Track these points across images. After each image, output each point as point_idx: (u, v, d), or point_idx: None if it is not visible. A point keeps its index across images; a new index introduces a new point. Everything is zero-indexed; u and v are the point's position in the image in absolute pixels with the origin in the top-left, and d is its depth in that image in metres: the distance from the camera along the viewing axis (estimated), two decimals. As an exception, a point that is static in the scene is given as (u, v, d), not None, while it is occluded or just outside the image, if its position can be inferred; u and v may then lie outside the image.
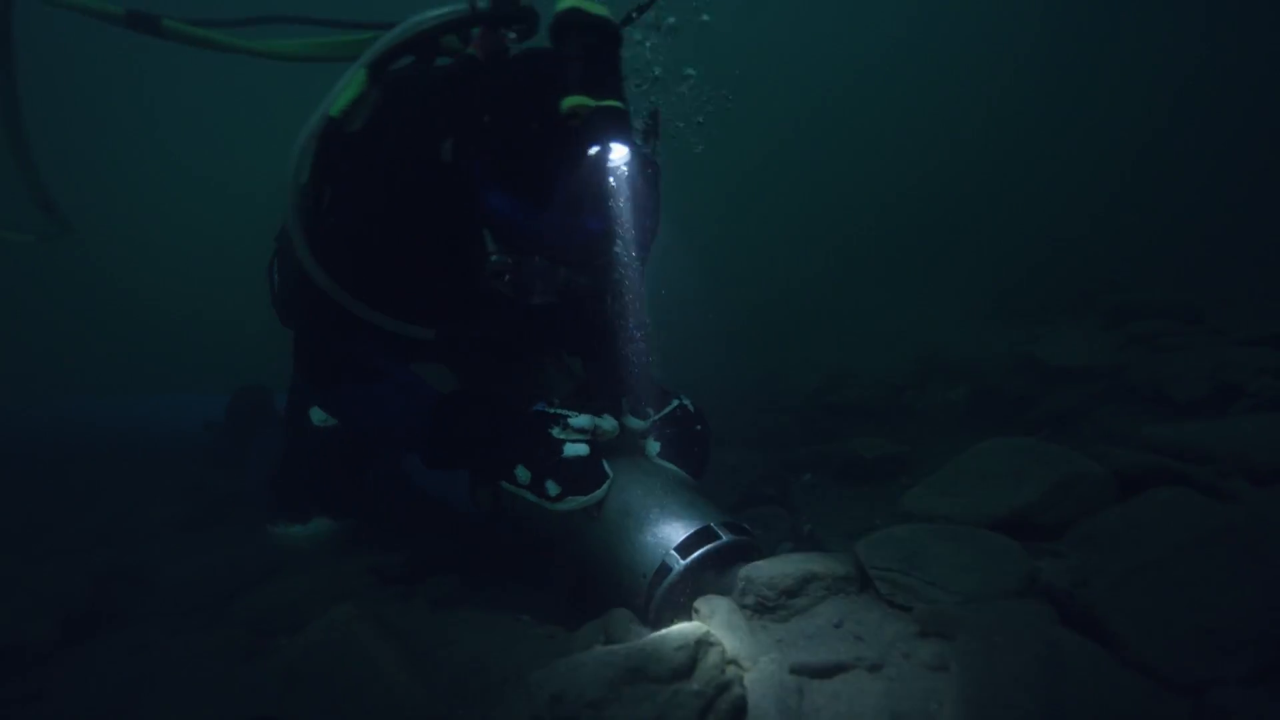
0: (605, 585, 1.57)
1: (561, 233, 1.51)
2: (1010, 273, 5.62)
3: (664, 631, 1.16)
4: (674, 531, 1.51)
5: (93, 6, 2.03)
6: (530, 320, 1.71)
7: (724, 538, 1.50)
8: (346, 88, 1.52)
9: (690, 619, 1.33)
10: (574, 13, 1.33)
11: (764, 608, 1.35)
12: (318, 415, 2.19)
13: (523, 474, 1.59)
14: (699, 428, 1.93)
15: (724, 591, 1.43)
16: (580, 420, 1.63)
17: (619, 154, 1.39)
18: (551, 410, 1.67)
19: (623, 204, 1.47)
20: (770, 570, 1.39)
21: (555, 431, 1.62)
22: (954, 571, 1.28)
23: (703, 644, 1.11)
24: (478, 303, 1.69)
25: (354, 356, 1.76)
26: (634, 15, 1.50)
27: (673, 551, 1.48)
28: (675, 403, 1.92)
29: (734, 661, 1.16)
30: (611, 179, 1.43)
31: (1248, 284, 4.15)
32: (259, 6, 2.03)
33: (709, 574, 1.48)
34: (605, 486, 1.60)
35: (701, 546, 1.48)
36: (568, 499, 1.56)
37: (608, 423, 1.66)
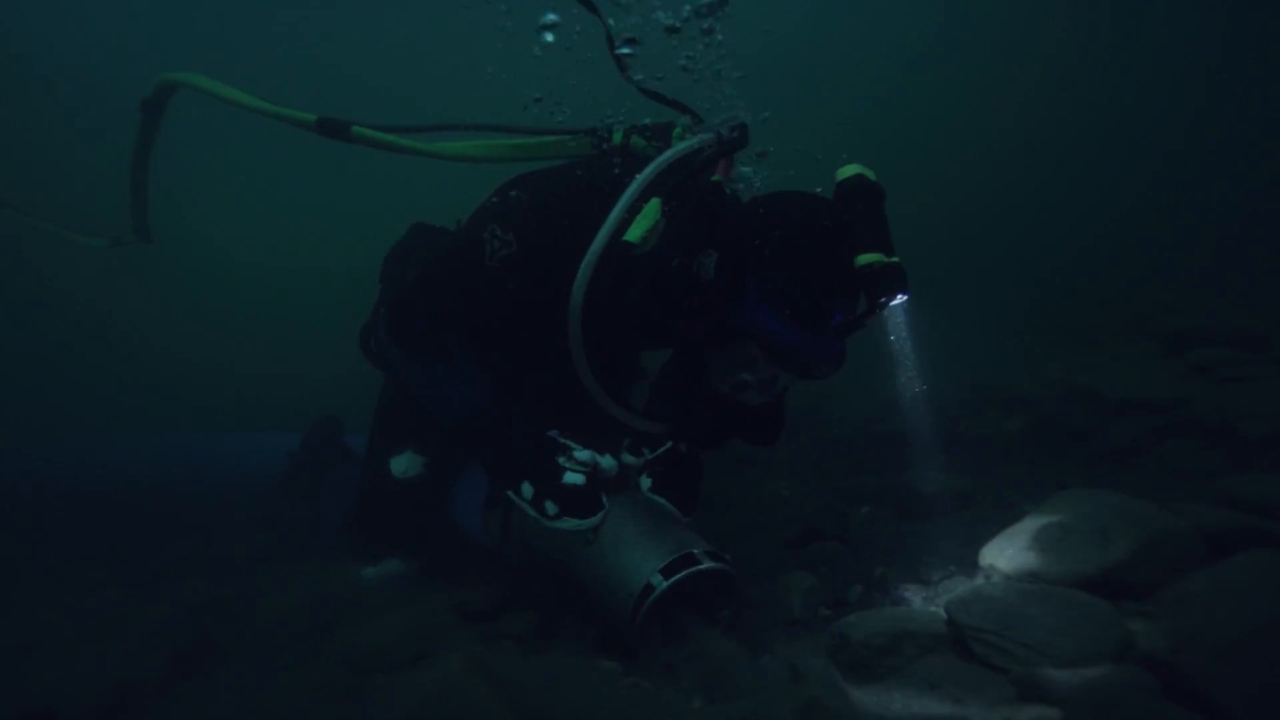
0: (596, 602, 1.77)
1: (822, 353, 1.69)
2: (1056, 291, 5.57)
3: (769, 690, 1.21)
4: (658, 556, 1.68)
5: (289, 115, 2.36)
6: (743, 416, 1.89)
7: (705, 563, 1.66)
8: (643, 217, 1.71)
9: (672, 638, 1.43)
10: (860, 179, 1.61)
11: (859, 665, 1.40)
12: (398, 466, 2.37)
13: (526, 490, 1.81)
14: (690, 468, 2.11)
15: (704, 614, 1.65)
16: (583, 455, 1.84)
17: (898, 300, 1.60)
18: (560, 440, 1.88)
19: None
20: (864, 630, 1.44)
21: (560, 460, 1.82)
22: (1048, 634, 1.31)
23: (816, 705, 1.16)
24: (700, 396, 1.87)
25: (442, 338, 2.03)
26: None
27: (657, 574, 1.64)
28: (669, 444, 2.06)
29: (841, 724, 1.20)
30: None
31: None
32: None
33: (689, 596, 1.68)
34: (600, 515, 1.80)
35: (684, 569, 1.64)
36: (564, 519, 1.77)
37: (607, 461, 1.86)
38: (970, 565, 1.88)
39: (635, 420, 1.93)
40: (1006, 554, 1.63)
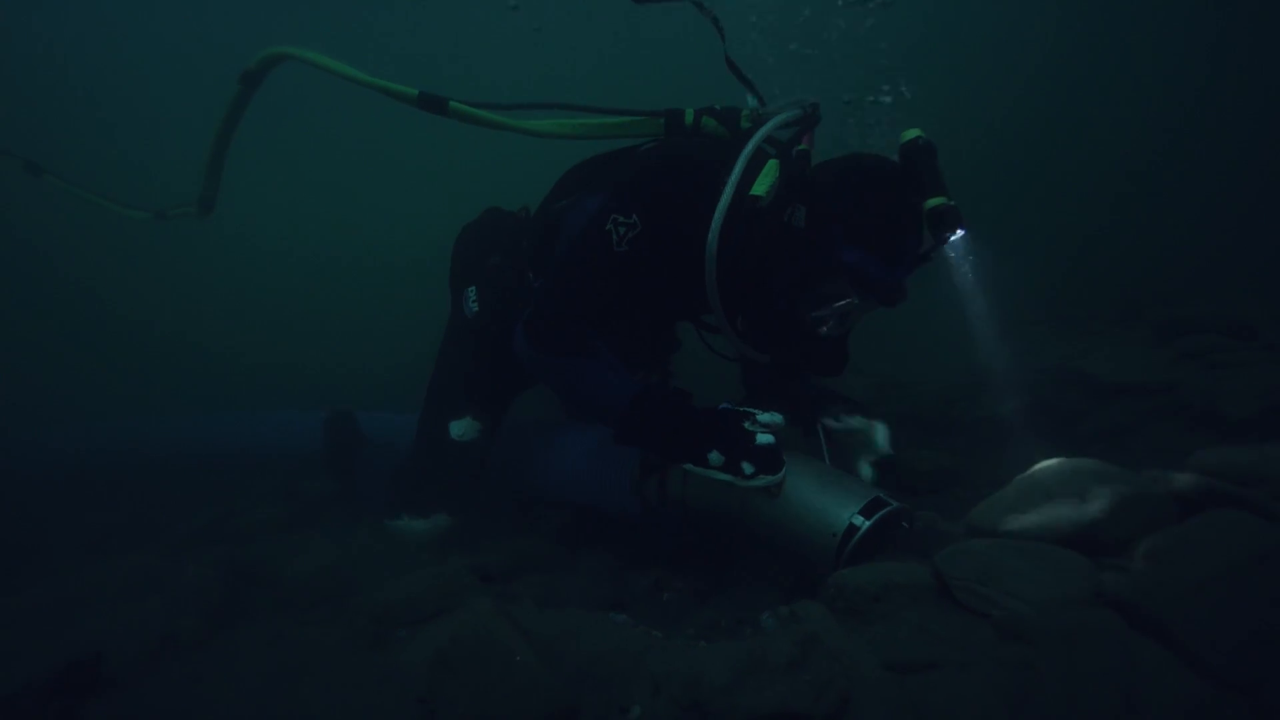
0: (791, 548, 1.96)
1: (897, 282, 1.99)
2: (1053, 282, 5.66)
3: (771, 631, 1.33)
4: (854, 500, 1.88)
5: (392, 89, 2.57)
6: (820, 348, 2.18)
7: (892, 504, 1.87)
8: (765, 173, 2.00)
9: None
10: (920, 138, 1.91)
11: (851, 610, 1.52)
12: (456, 429, 2.60)
13: (716, 457, 1.96)
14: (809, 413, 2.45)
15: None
16: (766, 417, 2.03)
17: (957, 236, 1.93)
18: (740, 409, 2.08)
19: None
20: (856, 579, 1.56)
21: (747, 425, 2.01)
22: (1027, 583, 1.43)
23: (811, 641, 1.28)
24: (787, 334, 2.18)
25: (584, 337, 2.21)
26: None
27: (858, 514, 1.82)
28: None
29: (835, 658, 1.32)
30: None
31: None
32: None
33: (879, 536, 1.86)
34: (785, 471, 1.97)
35: (880, 510, 1.83)
36: (760, 477, 1.93)
37: (779, 419, 2.07)
38: (965, 534, 2.01)
39: (751, 351, 2.25)
40: (991, 516, 1.74)
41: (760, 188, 1.97)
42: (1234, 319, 3.76)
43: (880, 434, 2.36)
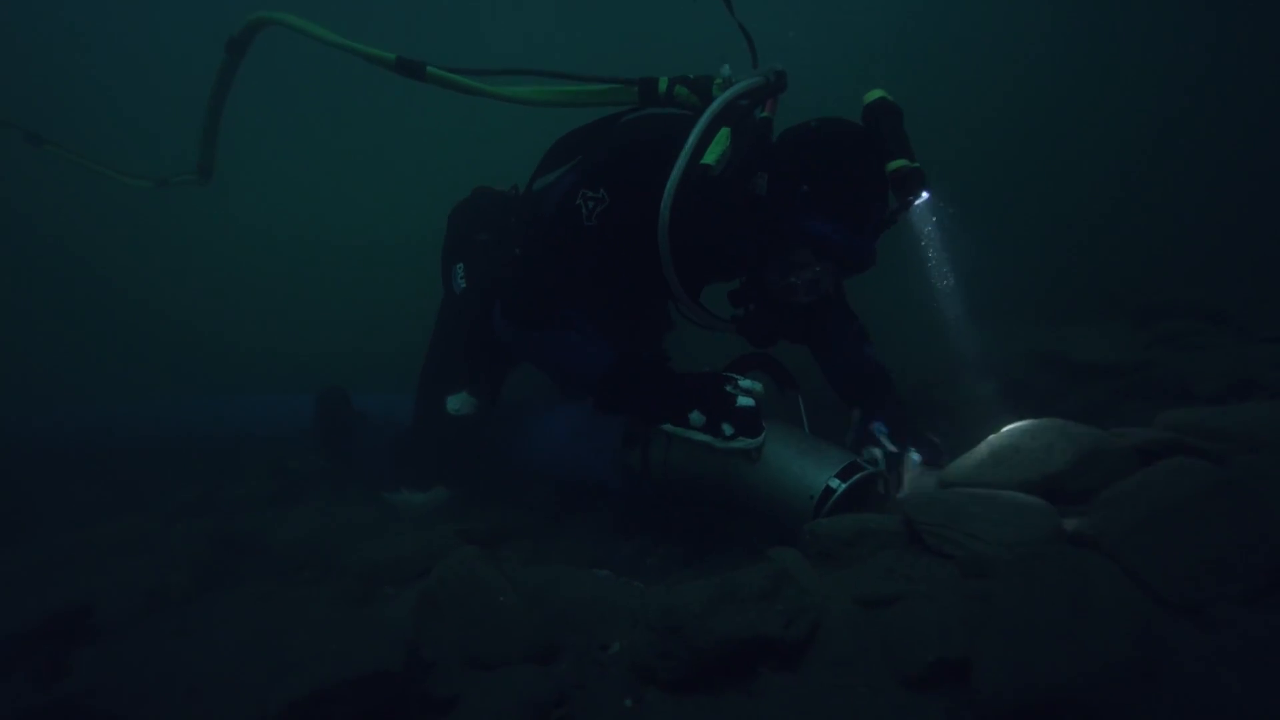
0: (770, 511, 1.99)
1: (864, 249, 2.01)
2: (1034, 272, 5.75)
3: (747, 568, 1.38)
4: (830, 464, 1.91)
5: (370, 53, 2.54)
6: (794, 314, 2.20)
7: (868, 468, 1.92)
8: (716, 141, 2.00)
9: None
10: (884, 100, 1.93)
11: (825, 555, 1.58)
12: (453, 404, 2.65)
13: (697, 418, 2.00)
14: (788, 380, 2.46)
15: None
16: (747, 382, 2.05)
17: (921, 200, 1.94)
18: (723, 373, 2.11)
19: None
20: (831, 526, 1.61)
21: (728, 388, 2.03)
22: (991, 526, 1.48)
23: (782, 575, 1.33)
24: (760, 300, 2.20)
25: (563, 312, 2.23)
26: None
27: (834, 477, 1.86)
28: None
29: (806, 592, 1.37)
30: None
31: (1276, 285, 4.27)
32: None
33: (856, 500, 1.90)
34: (765, 434, 1.99)
35: (855, 474, 1.88)
36: (739, 439, 1.96)
37: (759, 386, 2.09)
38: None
39: (716, 323, 2.28)
40: (962, 469, 1.80)
41: (710, 156, 1.97)
42: (1207, 305, 3.86)
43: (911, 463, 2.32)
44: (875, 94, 1.96)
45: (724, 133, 2.03)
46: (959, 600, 1.31)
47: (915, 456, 2.17)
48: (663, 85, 2.34)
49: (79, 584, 2.05)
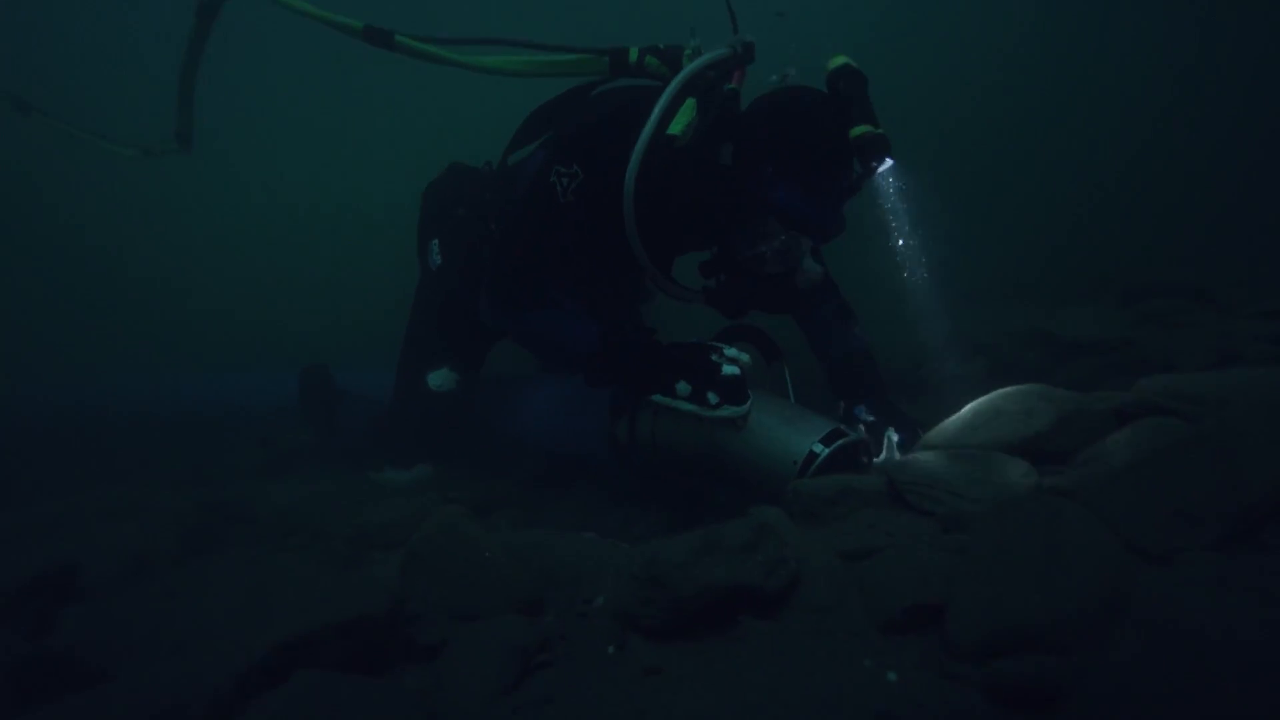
0: (755, 478, 1.99)
1: (830, 218, 2.01)
2: (1024, 256, 5.79)
3: (730, 522, 1.39)
4: (813, 431, 1.92)
5: (335, 20, 2.52)
6: (764, 285, 2.19)
7: (851, 435, 1.94)
8: (682, 112, 1.98)
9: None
10: (847, 67, 1.92)
11: (808, 513, 1.60)
12: (435, 380, 2.66)
13: (684, 387, 2.01)
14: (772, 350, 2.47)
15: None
16: (732, 351, 2.07)
17: (885, 165, 1.92)
18: (708, 343, 2.13)
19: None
20: (814, 484, 1.63)
21: (714, 357, 2.04)
22: (972, 483, 1.51)
23: (764, 529, 1.34)
24: (730, 271, 2.19)
25: (546, 292, 2.24)
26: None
27: (818, 443, 1.88)
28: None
29: (787, 545, 1.39)
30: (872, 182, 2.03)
31: (1261, 265, 4.31)
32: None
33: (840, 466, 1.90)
34: (750, 403, 2.01)
35: (838, 440, 1.89)
36: (724, 407, 1.97)
37: (745, 355, 2.10)
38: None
39: (686, 294, 2.28)
40: (943, 432, 1.83)
41: (675, 127, 1.97)
42: (1192, 285, 3.90)
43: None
44: (839, 60, 1.95)
45: (690, 103, 2.01)
46: (937, 553, 1.33)
47: (894, 436, 2.19)
48: (633, 56, 2.33)
49: (65, 548, 2.04)
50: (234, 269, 7.75)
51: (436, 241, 2.77)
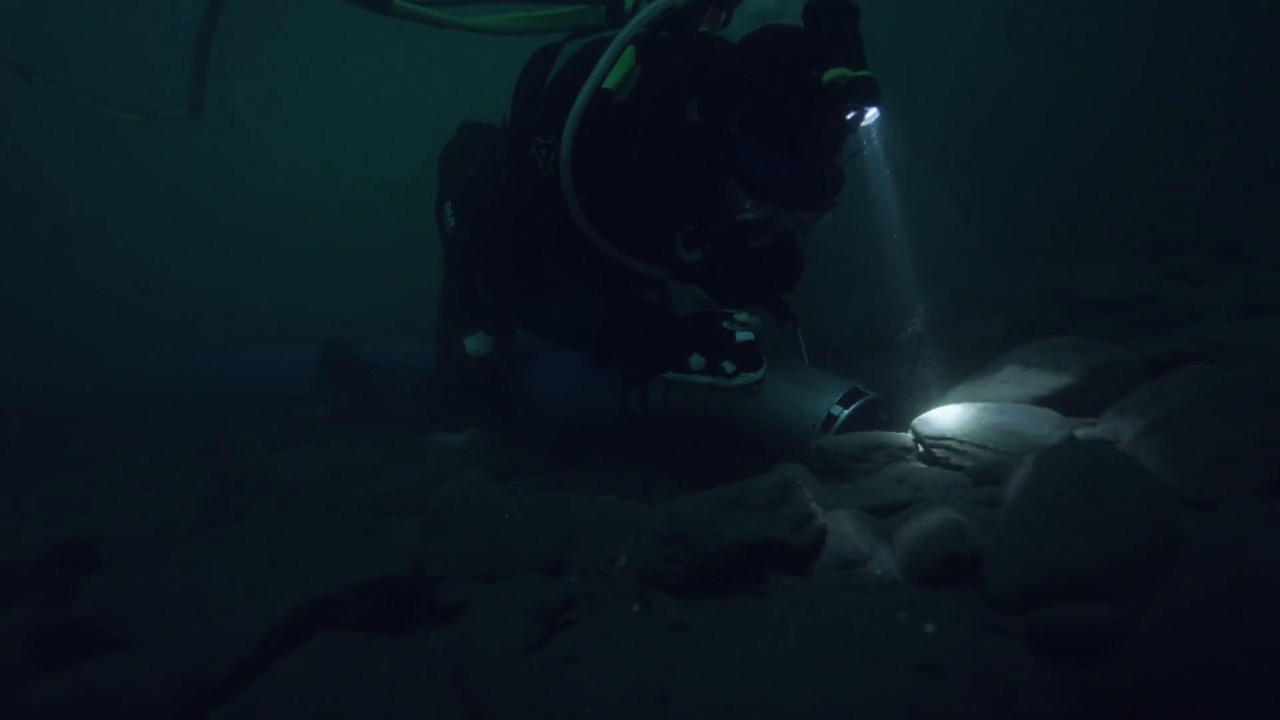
0: (773, 443, 1.94)
1: (809, 180, 1.75)
2: (1043, 215, 5.67)
3: (754, 478, 1.36)
4: (831, 392, 1.88)
5: None
6: (748, 260, 2.07)
7: (869, 394, 1.89)
8: (618, 63, 1.74)
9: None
10: None
11: (832, 469, 1.56)
12: (471, 345, 2.58)
13: (697, 360, 1.92)
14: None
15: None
16: (743, 316, 1.98)
17: (870, 115, 1.65)
18: (718, 310, 2.03)
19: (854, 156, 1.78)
20: (838, 441, 1.59)
21: (725, 325, 1.96)
22: (1002, 436, 1.47)
23: (790, 485, 1.31)
24: (708, 246, 2.05)
25: (543, 272, 2.15)
26: None
27: (836, 404, 1.84)
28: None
29: (813, 500, 1.36)
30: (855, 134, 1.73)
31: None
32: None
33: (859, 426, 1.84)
34: (765, 368, 1.94)
35: (857, 400, 1.84)
36: (741, 375, 1.90)
37: (757, 319, 2.03)
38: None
39: (654, 270, 2.13)
40: (971, 388, 1.78)
41: (611, 79, 1.76)
42: (1216, 239, 3.80)
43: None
44: None
45: (629, 53, 1.79)
46: (969, 505, 1.30)
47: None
48: (628, 3, 2.15)
49: (86, 519, 2.05)
50: (250, 247, 7.74)
51: (450, 204, 2.72)
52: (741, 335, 1.96)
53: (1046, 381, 1.65)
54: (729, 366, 1.93)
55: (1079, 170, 6.44)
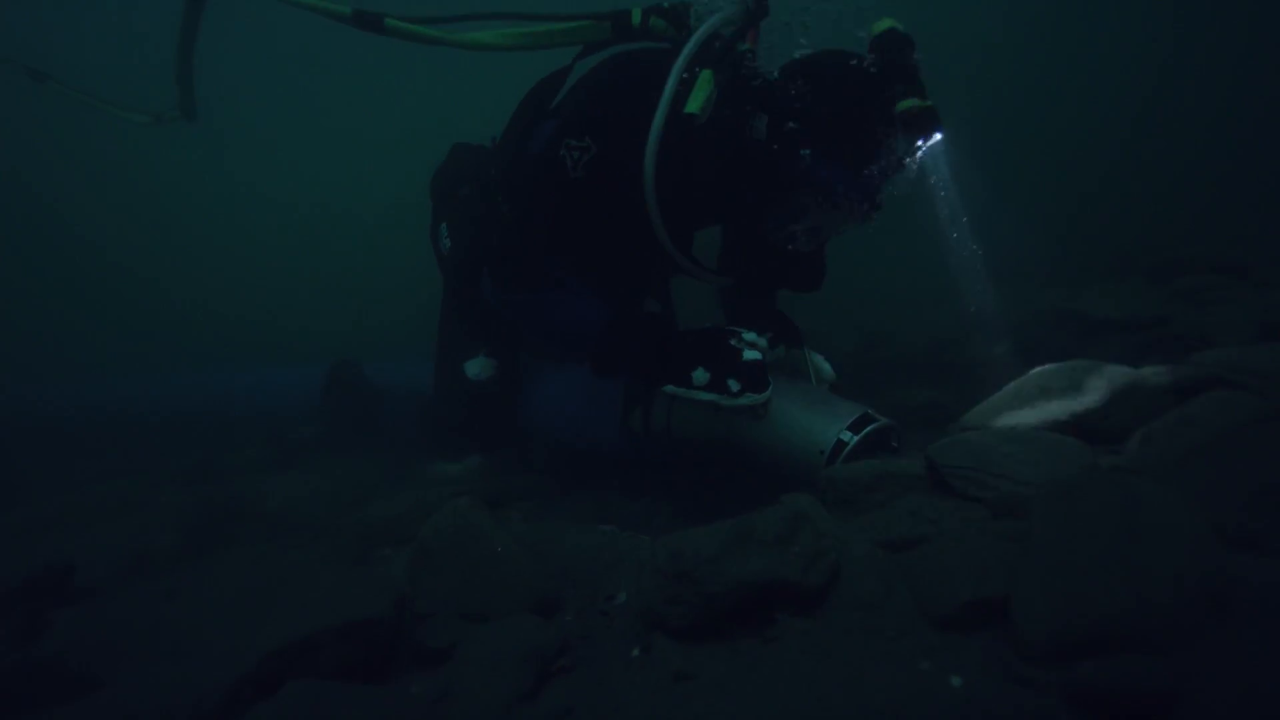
0: (779, 469, 1.88)
1: (870, 195, 1.87)
2: (1046, 235, 5.64)
3: (761, 510, 1.29)
4: (840, 417, 1.82)
5: (322, 6, 2.39)
6: (789, 263, 2.12)
7: (880, 420, 1.81)
8: (699, 86, 1.81)
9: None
10: (894, 32, 1.77)
11: (843, 501, 1.49)
12: (472, 369, 2.56)
13: (701, 375, 1.88)
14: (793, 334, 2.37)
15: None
16: (751, 335, 1.95)
17: (935, 140, 1.79)
18: (725, 328, 2.00)
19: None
20: (849, 470, 1.52)
21: (733, 342, 1.93)
22: (1022, 465, 1.39)
23: (801, 518, 1.23)
24: (755, 251, 2.10)
25: (549, 270, 2.12)
26: None
27: (846, 430, 1.77)
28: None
29: (825, 535, 1.28)
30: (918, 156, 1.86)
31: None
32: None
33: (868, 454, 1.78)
34: (771, 389, 1.89)
35: (866, 426, 1.77)
36: (745, 395, 1.85)
37: (764, 340, 1.99)
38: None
39: (709, 276, 2.16)
40: (985, 414, 1.71)
41: (694, 104, 1.81)
42: (1225, 260, 3.74)
43: (822, 361, 2.31)
44: (885, 24, 1.81)
45: (706, 76, 1.84)
46: (991, 540, 1.22)
47: (819, 360, 2.24)
48: (636, 18, 2.17)
49: (62, 546, 1.97)
50: (247, 268, 7.70)
51: (445, 225, 2.67)
52: (749, 354, 1.92)
53: (1066, 406, 1.59)
54: (734, 385, 1.88)
55: (1085, 191, 6.42)
